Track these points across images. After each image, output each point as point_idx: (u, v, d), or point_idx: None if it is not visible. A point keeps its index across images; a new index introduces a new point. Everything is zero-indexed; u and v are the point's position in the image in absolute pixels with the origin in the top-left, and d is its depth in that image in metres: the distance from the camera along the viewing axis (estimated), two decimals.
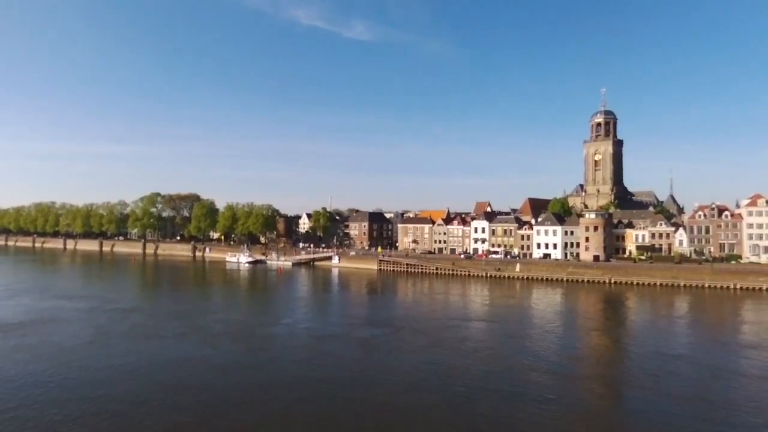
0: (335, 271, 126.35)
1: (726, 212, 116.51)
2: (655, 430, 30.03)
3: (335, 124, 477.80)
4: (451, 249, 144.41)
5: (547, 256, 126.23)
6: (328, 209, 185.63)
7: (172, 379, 38.40)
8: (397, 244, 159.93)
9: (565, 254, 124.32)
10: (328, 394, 35.54)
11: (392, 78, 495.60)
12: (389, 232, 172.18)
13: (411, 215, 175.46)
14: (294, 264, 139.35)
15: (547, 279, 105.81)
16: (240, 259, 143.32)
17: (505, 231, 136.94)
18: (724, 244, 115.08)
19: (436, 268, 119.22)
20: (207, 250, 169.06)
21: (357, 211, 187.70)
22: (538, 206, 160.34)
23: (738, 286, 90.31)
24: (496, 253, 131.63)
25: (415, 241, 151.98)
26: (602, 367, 45.86)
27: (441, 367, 42.73)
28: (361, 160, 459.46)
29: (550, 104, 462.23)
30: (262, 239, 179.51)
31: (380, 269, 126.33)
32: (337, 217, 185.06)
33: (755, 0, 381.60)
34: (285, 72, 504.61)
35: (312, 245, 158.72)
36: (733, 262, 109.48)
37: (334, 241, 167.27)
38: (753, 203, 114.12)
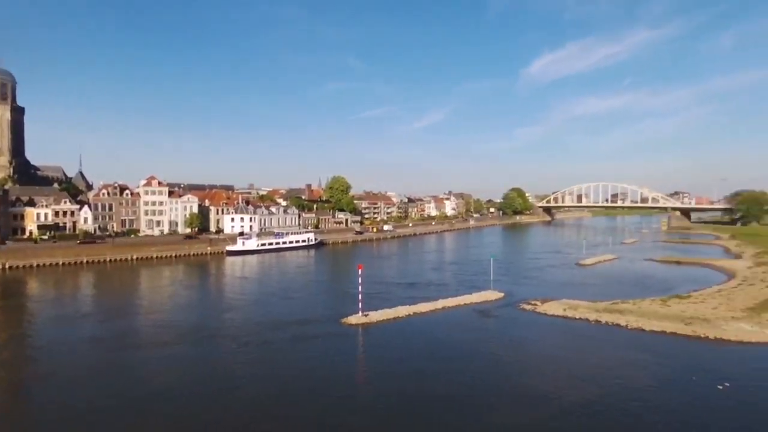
0: None
1: (127, 191, 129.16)
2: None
3: None
4: None
5: None
6: None
7: None
8: None
9: None
10: None
11: None
12: None
13: None
14: None
15: None
16: None
17: None
18: (125, 220, 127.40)
19: None
20: None
21: None
22: None
23: (135, 257, 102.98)
24: None
25: None
26: None
27: None
28: None
29: None
30: None
31: None
32: None
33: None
34: None
35: None
36: (132, 236, 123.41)
37: None
38: (148, 183, 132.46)
